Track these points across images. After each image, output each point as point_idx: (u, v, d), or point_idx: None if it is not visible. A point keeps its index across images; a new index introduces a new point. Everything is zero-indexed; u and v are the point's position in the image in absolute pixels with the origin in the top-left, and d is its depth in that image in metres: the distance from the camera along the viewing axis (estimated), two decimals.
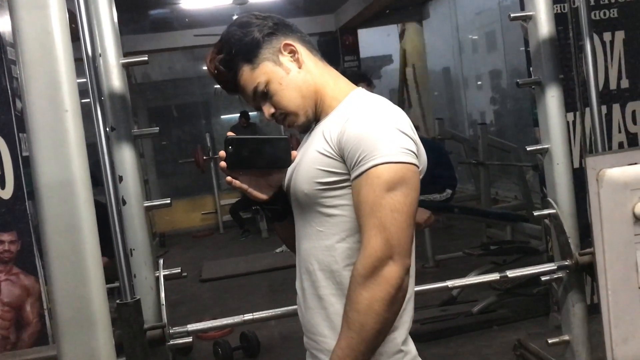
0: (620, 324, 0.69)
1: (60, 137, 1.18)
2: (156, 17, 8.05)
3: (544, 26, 2.04)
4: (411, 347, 1.27)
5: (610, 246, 0.72)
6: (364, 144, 1.16)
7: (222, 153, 1.22)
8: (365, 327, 1.12)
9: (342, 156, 1.19)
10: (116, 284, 1.73)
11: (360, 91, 1.32)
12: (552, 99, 2.04)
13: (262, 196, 1.28)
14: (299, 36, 1.33)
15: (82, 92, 1.66)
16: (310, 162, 1.24)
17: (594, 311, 2.27)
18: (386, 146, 1.15)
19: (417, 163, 1.19)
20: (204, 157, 8.37)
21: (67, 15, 1.21)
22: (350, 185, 1.20)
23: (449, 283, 1.97)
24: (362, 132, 1.17)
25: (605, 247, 0.72)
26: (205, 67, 1.35)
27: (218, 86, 1.38)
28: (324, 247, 1.25)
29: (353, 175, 1.18)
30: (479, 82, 9.29)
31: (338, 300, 1.23)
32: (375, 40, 10.15)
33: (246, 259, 6.73)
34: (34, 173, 1.18)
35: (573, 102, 3.16)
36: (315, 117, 1.33)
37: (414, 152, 1.18)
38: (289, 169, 1.30)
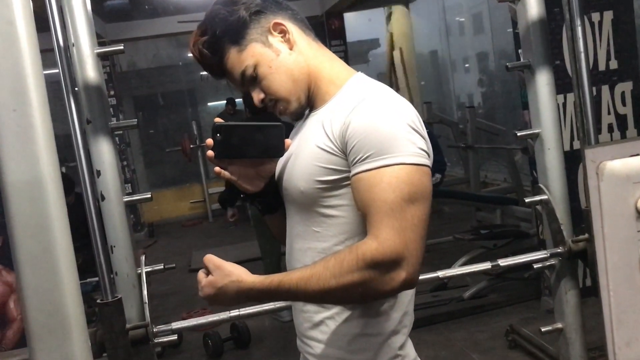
0: (623, 327, 0.65)
1: (27, 133, 1.11)
2: (139, 3, 7.91)
3: (534, 8, 1.98)
4: (409, 350, 1.20)
5: (611, 243, 0.67)
6: (373, 137, 1.04)
7: (210, 141, 1.12)
8: (330, 293, 1.02)
9: (343, 151, 1.08)
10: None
11: (361, 77, 1.20)
12: (543, 83, 1.99)
13: (252, 188, 1.20)
14: (290, 14, 1.21)
15: (55, 83, 1.60)
16: (308, 157, 1.13)
17: (585, 294, 2.25)
18: (401, 145, 1.04)
19: (429, 164, 1.08)
20: (191, 146, 8.28)
21: (32, 5, 1.14)
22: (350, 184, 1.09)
23: (440, 273, 1.93)
24: (369, 126, 1.05)
25: (607, 245, 0.67)
26: (190, 54, 1.23)
27: (204, 72, 1.27)
28: (320, 249, 1.15)
29: (357, 169, 1.06)
30: (467, 65, 9.24)
31: (332, 305, 1.16)
32: (362, 24, 10.06)
33: (235, 248, 6.69)
34: (1, 171, 1.12)
35: (563, 83, 3.11)
36: (309, 103, 1.22)
37: (427, 153, 1.08)
38: (281, 159, 1.20)
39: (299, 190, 1.14)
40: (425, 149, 1.07)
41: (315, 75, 1.20)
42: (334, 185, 1.11)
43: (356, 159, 1.06)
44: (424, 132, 1.10)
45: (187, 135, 8.45)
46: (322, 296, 1.04)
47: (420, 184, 1.04)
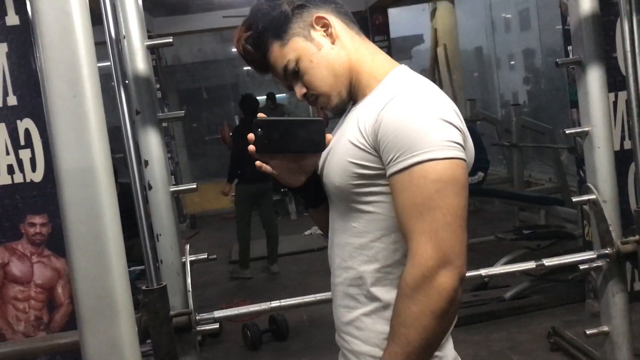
0: None
1: (81, 122, 1.14)
2: None
3: (586, 2, 1.93)
4: (447, 351, 1.18)
5: None
6: (404, 136, 1.03)
7: (251, 136, 1.11)
8: (411, 343, 1.02)
9: (376, 149, 1.07)
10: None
11: (402, 70, 1.18)
12: (594, 79, 1.94)
13: (294, 182, 1.20)
14: (333, 7, 1.20)
15: (107, 75, 1.64)
16: (342, 153, 1.12)
17: (633, 299, 2.19)
18: (430, 140, 1.02)
19: (464, 157, 1.05)
20: (230, 134, 8.36)
21: None
22: (386, 182, 1.08)
23: (483, 271, 1.91)
24: (400, 123, 1.04)
25: None
26: (234, 49, 1.23)
27: (249, 67, 1.29)
28: (357, 244, 1.15)
29: (390, 170, 1.05)
30: (512, 62, 9.08)
31: (369, 301, 1.15)
32: (406, 20, 9.98)
33: None
34: (55, 159, 1.15)
35: (614, 81, 3.03)
36: (352, 98, 1.21)
37: (460, 145, 1.05)
38: (323, 154, 1.19)
39: (334, 185, 1.14)
40: (459, 141, 1.05)
41: (356, 69, 1.19)
42: (368, 181, 1.10)
43: (389, 160, 1.05)
44: (461, 125, 1.08)
45: (227, 123, 8.51)
46: (411, 351, 1.04)
47: (451, 178, 1.02)
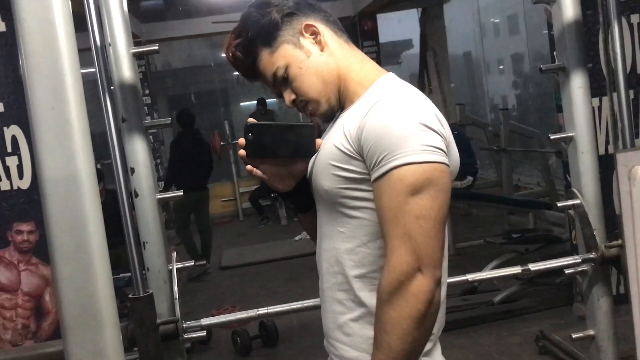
0: None
1: (64, 131, 1.14)
2: (174, 4, 8.02)
3: (569, 9, 1.95)
4: (435, 357, 1.18)
5: None
6: (384, 142, 1.04)
7: (242, 141, 1.13)
8: (393, 348, 1.03)
9: (361, 154, 1.08)
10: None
11: (389, 77, 1.19)
12: (578, 86, 1.96)
13: (284, 187, 1.20)
14: (322, 16, 1.22)
15: (92, 82, 1.64)
16: (325, 156, 1.14)
17: (618, 302, 2.20)
18: (409, 145, 1.03)
19: (445, 161, 1.06)
20: (221, 143, 8.35)
21: (70, 4, 1.17)
22: (370, 187, 1.09)
23: (469, 276, 1.92)
24: (381, 129, 1.05)
25: (638, 250, 0.66)
26: (224, 55, 1.25)
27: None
28: (344, 249, 1.16)
29: (373, 176, 1.07)
30: (501, 67, 9.14)
31: (356, 306, 1.16)
32: (395, 25, 10.02)
33: (265, 247, 6.73)
34: (38, 167, 1.15)
35: (598, 86, 3.05)
36: (340, 105, 1.22)
37: (441, 149, 1.06)
38: (312, 158, 1.20)
39: (323, 188, 1.15)
40: (441, 146, 1.06)
41: (344, 76, 1.20)
42: (354, 185, 1.11)
43: (372, 165, 1.07)
44: (443, 131, 1.09)
45: (218, 132, 8.49)
46: (395, 357, 1.04)
47: (428, 181, 1.03)
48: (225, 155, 8.60)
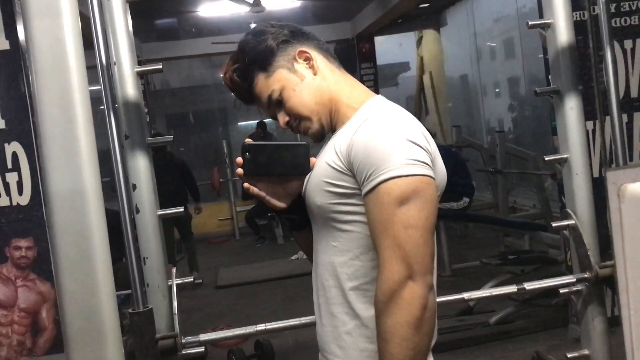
0: None
1: (71, 146, 1.17)
2: (174, 25, 8.11)
3: (563, 34, 2.00)
4: None
5: (633, 264, 0.69)
6: (372, 157, 1.11)
7: (239, 160, 1.18)
8: (395, 356, 1.06)
9: (351, 170, 1.15)
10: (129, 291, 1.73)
11: (377, 100, 1.26)
12: (571, 109, 2.00)
13: (280, 205, 1.24)
14: (315, 44, 1.30)
15: (97, 99, 1.67)
16: (318, 173, 1.20)
17: (614, 324, 2.22)
18: (395, 159, 1.09)
19: (430, 174, 1.12)
20: (221, 180, 8.25)
21: (80, 24, 1.21)
22: (361, 202, 1.15)
23: (465, 295, 1.94)
24: (369, 145, 1.12)
25: (628, 266, 0.69)
26: (222, 75, 1.32)
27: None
28: (338, 263, 1.20)
29: (363, 191, 1.13)
30: (497, 90, 9.21)
31: (350, 319, 1.19)
32: (392, 48, 10.13)
33: (262, 266, 6.72)
34: (45, 181, 1.18)
35: (593, 110, 3.11)
36: (331, 127, 1.28)
37: (426, 163, 1.12)
38: (307, 177, 1.25)
39: (316, 204, 1.20)
40: (426, 160, 1.12)
41: (336, 99, 1.27)
42: (345, 200, 1.17)
43: (362, 180, 1.13)
44: (429, 146, 1.15)
45: (217, 169, 8.23)
46: (407, 357, 1.07)
47: (413, 193, 1.09)
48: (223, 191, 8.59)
